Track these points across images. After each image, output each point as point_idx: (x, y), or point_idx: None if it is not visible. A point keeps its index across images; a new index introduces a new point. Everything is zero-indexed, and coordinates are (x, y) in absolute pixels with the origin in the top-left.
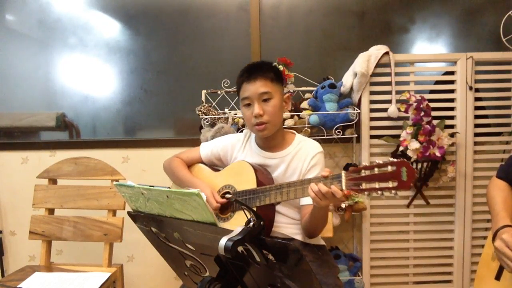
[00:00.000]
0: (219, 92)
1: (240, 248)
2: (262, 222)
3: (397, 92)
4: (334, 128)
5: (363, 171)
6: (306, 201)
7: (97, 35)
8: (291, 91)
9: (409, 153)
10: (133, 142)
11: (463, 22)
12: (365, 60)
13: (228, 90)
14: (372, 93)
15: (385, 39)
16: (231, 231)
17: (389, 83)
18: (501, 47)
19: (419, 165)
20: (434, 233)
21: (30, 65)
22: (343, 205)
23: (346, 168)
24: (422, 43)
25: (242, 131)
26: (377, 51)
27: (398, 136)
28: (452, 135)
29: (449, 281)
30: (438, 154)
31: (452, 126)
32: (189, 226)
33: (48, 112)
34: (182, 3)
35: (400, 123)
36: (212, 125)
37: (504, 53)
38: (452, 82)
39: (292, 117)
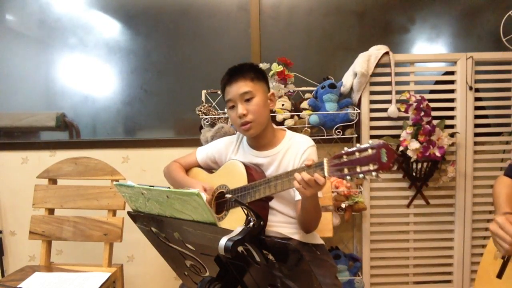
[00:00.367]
0: (219, 92)
1: (240, 248)
2: (262, 222)
3: (397, 92)
4: (334, 128)
5: (344, 156)
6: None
7: (97, 35)
8: (291, 91)
9: (409, 153)
10: (133, 142)
11: (463, 22)
12: (365, 60)
13: None
14: (372, 93)
15: (385, 39)
16: (231, 231)
17: (389, 83)
18: (501, 47)
19: (419, 165)
20: (434, 233)
21: (30, 65)
22: (343, 205)
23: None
24: (422, 43)
25: None
26: (377, 51)
27: (398, 136)
28: (452, 135)
29: (449, 281)
30: (438, 154)
31: (452, 126)
32: (189, 226)
33: (48, 112)
34: (182, 3)
35: (400, 123)
36: (212, 125)
37: (504, 53)
38: (452, 82)
39: (292, 117)
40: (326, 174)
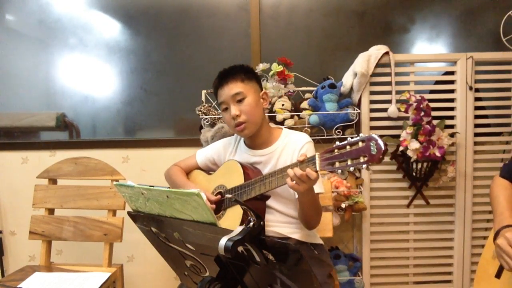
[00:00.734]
0: None
1: (240, 248)
2: (262, 222)
3: (397, 92)
4: (334, 128)
5: (336, 150)
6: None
7: (97, 35)
8: (291, 91)
9: (409, 153)
10: (133, 142)
11: (463, 22)
12: (365, 60)
13: None
14: (372, 93)
15: (385, 39)
16: (231, 231)
17: (389, 83)
18: (501, 47)
19: (419, 165)
20: (434, 233)
21: (30, 65)
22: (343, 205)
23: None
24: (422, 43)
25: None
26: (377, 51)
27: (398, 136)
28: (452, 135)
29: (449, 281)
30: (438, 154)
31: (452, 126)
32: (189, 226)
33: (48, 112)
34: (182, 3)
35: (400, 123)
36: (212, 125)
37: (504, 53)
38: (452, 82)
39: (292, 117)
40: (318, 168)
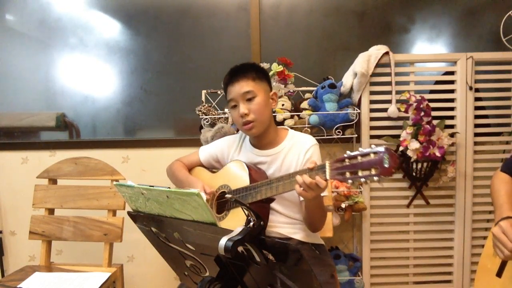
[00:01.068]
0: (219, 92)
1: (240, 248)
2: (262, 222)
3: (397, 92)
4: (334, 128)
5: (347, 160)
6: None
7: (97, 35)
8: (291, 91)
9: (409, 153)
10: (133, 142)
11: (463, 22)
12: (365, 60)
13: None
14: (372, 93)
15: (385, 39)
16: (231, 231)
17: (389, 83)
18: (501, 47)
19: (419, 165)
20: (434, 233)
21: (30, 65)
22: (343, 205)
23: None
24: (422, 43)
25: None
26: (377, 51)
27: (398, 136)
28: (452, 135)
29: (449, 281)
30: (438, 154)
31: (452, 126)
32: (189, 226)
33: (48, 112)
34: (182, 3)
35: (400, 123)
36: (212, 125)
37: (504, 53)
38: (452, 82)
39: (292, 117)
40: (328, 177)
